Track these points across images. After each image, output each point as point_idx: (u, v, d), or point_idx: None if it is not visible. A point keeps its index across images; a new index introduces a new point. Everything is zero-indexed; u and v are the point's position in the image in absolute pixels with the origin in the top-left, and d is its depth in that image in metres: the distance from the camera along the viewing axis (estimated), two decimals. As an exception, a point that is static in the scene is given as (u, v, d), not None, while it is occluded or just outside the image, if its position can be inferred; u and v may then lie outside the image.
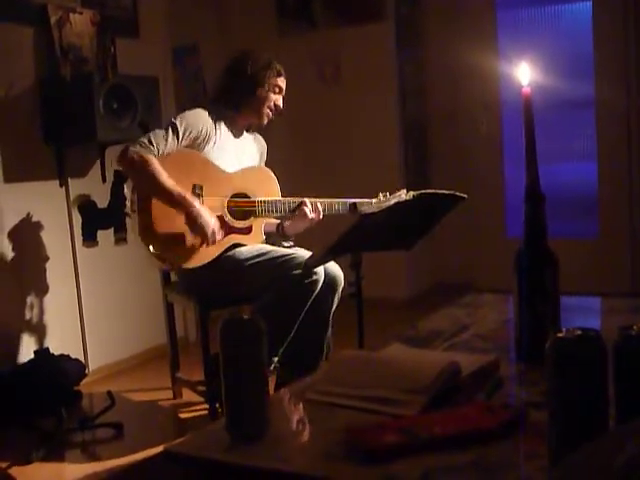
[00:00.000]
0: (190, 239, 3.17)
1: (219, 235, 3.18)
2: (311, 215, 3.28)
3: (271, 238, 3.44)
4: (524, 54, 1.91)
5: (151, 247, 3.16)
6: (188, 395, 3.74)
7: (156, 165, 3.11)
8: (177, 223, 3.15)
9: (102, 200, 4.05)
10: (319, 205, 3.30)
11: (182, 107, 3.86)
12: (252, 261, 3.20)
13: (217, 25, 5.61)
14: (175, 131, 3.18)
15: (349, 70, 5.60)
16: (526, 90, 1.64)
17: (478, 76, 5.45)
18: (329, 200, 3.33)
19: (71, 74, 3.93)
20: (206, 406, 3.46)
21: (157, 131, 3.20)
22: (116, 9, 4.38)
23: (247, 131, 3.51)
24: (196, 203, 3.14)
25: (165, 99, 4.46)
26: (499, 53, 5.50)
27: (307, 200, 3.30)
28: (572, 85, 5.19)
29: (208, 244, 3.16)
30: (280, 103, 3.42)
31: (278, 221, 3.46)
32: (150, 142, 3.13)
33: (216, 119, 3.31)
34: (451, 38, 5.50)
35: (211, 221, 3.15)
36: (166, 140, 3.15)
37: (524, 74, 1.64)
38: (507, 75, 5.18)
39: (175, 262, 3.25)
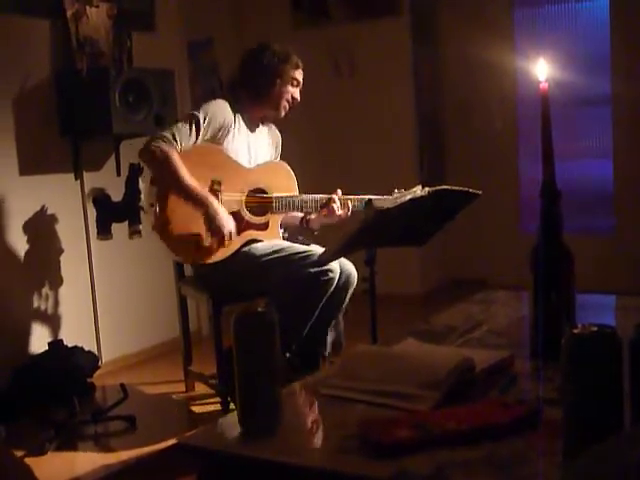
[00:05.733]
0: (206, 237, 3.18)
1: (235, 236, 3.20)
2: (339, 212, 3.27)
3: (292, 232, 3.43)
4: (541, 51, 1.90)
5: (167, 243, 3.17)
6: (200, 388, 3.76)
7: (177, 161, 3.12)
8: (194, 220, 3.16)
9: (117, 193, 4.06)
10: (349, 202, 3.29)
11: (197, 100, 3.87)
12: (268, 257, 3.20)
13: (232, 19, 5.60)
14: (197, 124, 3.18)
15: (364, 64, 5.59)
16: (543, 86, 1.63)
17: (494, 72, 5.43)
18: (348, 197, 3.31)
19: (87, 67, 3.94)
20: (218, 399, 3.47)
21: (179, 125, 3.20)
22: (132, 2, 4.38)
23: (262, 123, 3.51)
24: (215, 203, 3.15)
25: (180, 92, 4.46)
26: (515, 49, 5.48)
27: (336, 197, 3.28)
28: (589, 82, 5.17)
29: (224, 245, 3.18)
30: (297, 96, 3.41)
31: (299, 214, 3.45)
32: (174, 137, 3.13)
33: (234, 110, 3.32)
34: (467, 33, 5.48)
35: (228, 222, 3.17)
36: (189, 134, 3.16)
37: (541, 70, 1.63)
38: (523, 71, 5.17)
39: (191, 257, 3.26)
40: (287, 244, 3.29)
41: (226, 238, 3.16)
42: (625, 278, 4.91)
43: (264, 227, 3.32)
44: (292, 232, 3.45)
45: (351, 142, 5.66)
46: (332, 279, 3.12)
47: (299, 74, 3.39)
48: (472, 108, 5.72)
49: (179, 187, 3.14)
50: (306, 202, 3.31)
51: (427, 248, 3.06)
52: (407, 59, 5.49)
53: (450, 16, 5.72)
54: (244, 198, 3.28)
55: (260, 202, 3.31)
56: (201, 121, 3.19)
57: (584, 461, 0.96)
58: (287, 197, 3.32)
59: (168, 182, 3.18)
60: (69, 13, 3.93)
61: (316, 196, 3.32)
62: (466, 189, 2.70)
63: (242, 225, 3.26)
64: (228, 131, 3.28)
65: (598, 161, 5.59)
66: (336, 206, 3.26)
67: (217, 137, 3.25)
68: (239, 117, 3.34)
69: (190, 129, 3.17)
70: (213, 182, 3.21)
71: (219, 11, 5.44)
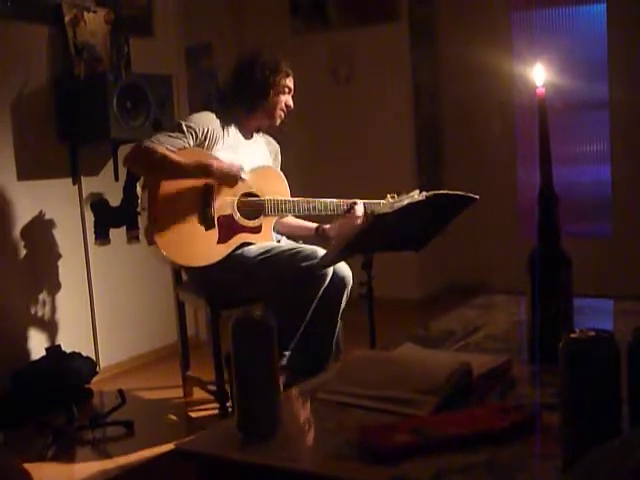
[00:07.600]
0: (199, 237, 3.18)
1: (244, 174, 3.24)
2: (360, 217, 3.28)
3: (308, 243, 3.43)
4: (538, 55, 1.90)
5: (159, 245, 3.17)
6: (199, 394, 3.75)
7: (164, 149, 3.14)
8: (186, 221, 3.16)
9: (115, 198, 4.06)
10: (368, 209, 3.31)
11: (195, 106, 3.86)
12: (260, 257, 3.21)
13: (231, 24, 5.61)
14: (181, 132, 3.21)
15: (363, 70, 5.59)
16: (540, 91, 1.63)
17: (492, 76, 5.43)
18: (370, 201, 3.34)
19: (85, 73, 3.94)
20: (216, 405, 3.47)
21: (164, 133, 3.24)
22: (130, 8, 4.38)
23: (257, 132, 3.52)
24: (212, 161, 3.20)
25: (179, 98, 4.46)
26: (513, 54, 5.49)
27: (359, 201, 3.31)
28: (586, 87, 5.18)
29: (238, 181, 3.23)
30: (291, 103, 3.43)
31: (312, 225, 3.48)
32: (158, 141, 3.16)
33: (224, 122, 3.33)
34: (465, 38, 5.49)
35: (233, 164, 3.22)
36: (173, 140, 3.18)
37: (538, 75, 1.64)
38: (521, 76, 5.17)
39: (184, 260, 3.26)
40: (278, 244, 3.31)
41: (239, 176, 3.21)
42: (623, 282, 4.91)
43: (257, 230, 3.34)
44: (308, 243, 3.44)
45: (349, 148, 5.66)
46: (325, 274, 3.13)
47: (290, 81, 3.40)
48: (470, 113, 5.73)
49: (171, 167, 3.15)
50: (327, 205, 3.34)
51: (425, 252, 3.06)
52: (405, 64, 5.49)
53: (448, 21, 5.72)
54: (236, 201, 3.30)
55: (252, 205, 3.33)
56: (185, 130, 3.21)
57: (583, 466, 0.96)
58: (280, 200, 3.34)
59: (159, 168, 3.17)
60: (67, 19, 3.93)
61: (337, 200, 3.35)
62: (463, 193, 2.70)
63: (235, 228, 3.27)
64: (216, 141, 3.28)
65: (596, 166, 5.59)
66: (359, 208, 3.29)
67: (204, 147, 3.26)
68: (230, 127, 3.36)
69: (174, 135, 3.20)
70: (206, 185, 3.22)
71: (218, 16, 5.44)
